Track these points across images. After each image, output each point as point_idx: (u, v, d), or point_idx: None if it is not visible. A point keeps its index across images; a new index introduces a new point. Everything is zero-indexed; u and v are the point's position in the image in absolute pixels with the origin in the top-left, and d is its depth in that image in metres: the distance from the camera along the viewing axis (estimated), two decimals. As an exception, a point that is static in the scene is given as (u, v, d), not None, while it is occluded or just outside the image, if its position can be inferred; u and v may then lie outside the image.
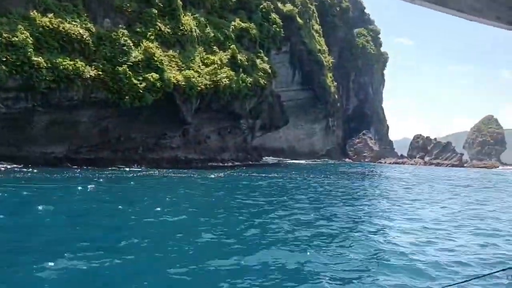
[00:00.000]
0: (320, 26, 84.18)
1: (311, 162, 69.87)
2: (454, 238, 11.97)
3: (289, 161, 64.24)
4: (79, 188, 18.55)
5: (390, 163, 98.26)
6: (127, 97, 32.54)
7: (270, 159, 61.17)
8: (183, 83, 36.84)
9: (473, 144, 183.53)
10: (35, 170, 25.53)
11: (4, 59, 25.69)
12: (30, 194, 16.09)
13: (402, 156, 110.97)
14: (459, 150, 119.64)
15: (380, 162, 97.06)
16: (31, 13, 28.60)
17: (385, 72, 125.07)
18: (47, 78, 27.84)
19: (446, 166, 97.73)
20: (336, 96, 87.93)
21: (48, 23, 29.04)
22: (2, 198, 14.96)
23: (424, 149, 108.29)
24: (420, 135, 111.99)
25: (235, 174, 34.18)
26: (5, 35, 26.03)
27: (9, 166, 26.60)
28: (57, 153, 31.88)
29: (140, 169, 33.01)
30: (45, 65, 27.71)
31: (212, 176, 30.30)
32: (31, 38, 27.31)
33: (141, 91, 33.26)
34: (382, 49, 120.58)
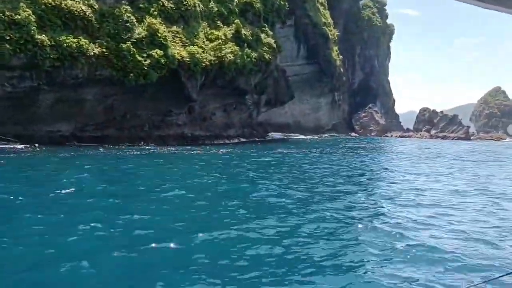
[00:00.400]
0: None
1: (317, 137, 69.73)
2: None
3: (294, 137, 64.07)
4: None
5: (396, 136, 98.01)
6: (131, 75, 32.37)
7: (276, 135, 60.98)
8: (187, 59, 36.55)
9: (479, 116, 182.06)
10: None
11: (8, 38, 25.52)
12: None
13: (408, 130, 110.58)
14: (466, 123, 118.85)
15: (386, 136, 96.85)
16: (33, -10, 28.24)
17: (391, 44, 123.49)
18: (51, 56, 27.69)
19: (452, 139, 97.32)
20: (342, 70, 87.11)
21: (50, 0, 28.69)
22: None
23: (430, 122, 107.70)
24: (427, 108, 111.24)
25: (239, 151, 34.23)
26: (7, 13, 25.79)
27: (18, 146, 26.71)
28: (63, 131, 31.95)
29: (154, 147, 33.11)
30: (49, 43, 27.52)
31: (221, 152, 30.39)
32: (33, 16, 27.05)
33: (145, 68, 33.06)
34: (388, 21, 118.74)
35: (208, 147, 35.74)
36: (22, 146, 26.83)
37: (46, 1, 28.49)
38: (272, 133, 60.70)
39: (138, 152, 28.19)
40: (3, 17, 25.55)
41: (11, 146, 26.36)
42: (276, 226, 9.60)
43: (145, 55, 33.44)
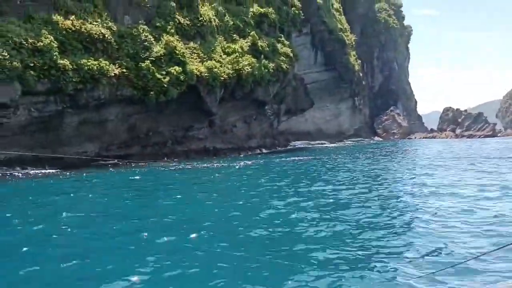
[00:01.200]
0: (340, 5, 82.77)
1: (340, 143, 69.31)
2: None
3: (317, 145, 63.75)
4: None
5: (420, 138, 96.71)
6: (152, 93, 32.96)
7: (298, 143, 60.75)
8: (205, 74, 37.04)
9: (506, 112, 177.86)
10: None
11: (32, 65, 26.33)
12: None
13: (432, 130, 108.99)
14: (492, 120, 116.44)
15: (410, 138, 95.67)
16: (54, 17, 29.14)
17: (409, 46, 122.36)
18: (74, 80, 28.42)
19: (479, 137, 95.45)
20: (361, 74, 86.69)
21: (70, 26, 29.54)
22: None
23: (454, 121, 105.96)
24: (450, 107, 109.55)
25: (261, 161, 34.35)
26: (30, 40, 26.64)
27: (51, 171, 27.44)
28: (89, 152, 32.67)
29: (177, 163, 33.56)
30: (71, 67, 28.26)
31: (242, 164, 30.56)
32: (55, 42, 27.85)
33: (165, 86, 33.62)
34: (405, 23, 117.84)
35: (229, 159, 35.99)
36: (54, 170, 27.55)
37: (67, 27, 29.34)
38: (294, 142, 60.68)
39: (173, 168, 28.72)
40: (26, 44, 26.39)
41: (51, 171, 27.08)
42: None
43: (164, 72, 34.03)
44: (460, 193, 15.25)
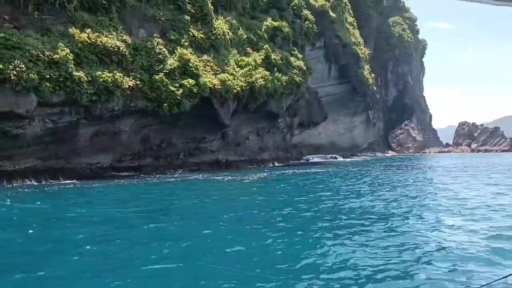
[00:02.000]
0: (353, 18, 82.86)
1: (354, 158, 68.69)
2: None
3: (331, 159, 62.93)
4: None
5: (435, 152, 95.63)
6: (165, 105, 33.23)
7: (313, 157, 59.56)
8: (219, 86, 37.26)
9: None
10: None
11: (48, 76, 26.77)
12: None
13: (447, 145, 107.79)
14: (509, 134, 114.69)
15: (424, 152, 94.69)
16: (70, 30, 29.70)
17: (424, 60, 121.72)
18: (89, 92, 28.80)
19: (496, 152, 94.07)
20: (375, 88, 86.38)
21: (86, 39, 30.06)
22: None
23: (470, 136, 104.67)
24: (466, 121, 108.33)
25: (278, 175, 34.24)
26: (47, 53, 27.13)
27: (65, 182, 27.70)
28: (103, 163, 32.95)
29: (189, 174, 33.63)
30: (86, 79, 28.68)
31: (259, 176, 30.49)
32: (71, 54, 28.32)
33: (178, 98, 33.89)
34: (420, 36, 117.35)
35: (244, 171, 35.94)
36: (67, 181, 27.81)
37: (83, 39, 29.86)
38: (309, 156, 59.84)
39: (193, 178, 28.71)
40: (43, 57, 26.89)
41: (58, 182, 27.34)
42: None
43: (177, 84, 34.33)
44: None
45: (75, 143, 30.86)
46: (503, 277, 6.31)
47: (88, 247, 10.06)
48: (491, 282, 6.57)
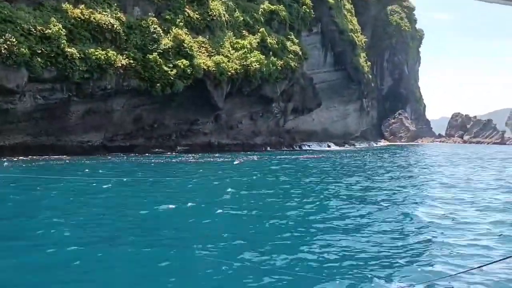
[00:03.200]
0: (351, 5, 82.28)
1: (349, 148, 68.49)
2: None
3: (323, 148, 62.52)
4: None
5: (427, 142, 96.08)
6: (158, 85, 32.97)
7: (305, 145, 58.87)
8: (213, 68, 36.97)
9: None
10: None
11: (39, 52, 26.42)
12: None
13: (440, 136, 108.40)
14: (501, 128, 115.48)
15: (417, 142, 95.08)
16: (63, 5, 29.25)
17: (420, 49, 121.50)
18: (81, 69, 28.50)
19: (487, 144, 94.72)
20: (370, 76, 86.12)
21: (79, 14, 29.63)
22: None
23: (463, 127, 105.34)
24: (459, 113, 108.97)
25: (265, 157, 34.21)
26: (39, 27, 26.73)
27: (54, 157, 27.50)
28: (94, 142, 32.75)
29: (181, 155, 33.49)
30: (78, 55, 28.34)
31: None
32: (63, 30, 27.94)
33: (172, 78, 33.62)
34: (417, 26, 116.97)
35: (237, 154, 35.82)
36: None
37: (76, 15, 29.43)
38: (301, 143, 59.12)
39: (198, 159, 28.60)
40: (34, 31, 26.49)
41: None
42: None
43: (171, 65, 34.02)
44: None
45: (66, 121, 30.62)
46: (496, 261, 6.31)
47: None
48: (482, 266, 6.57)
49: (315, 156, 37.95)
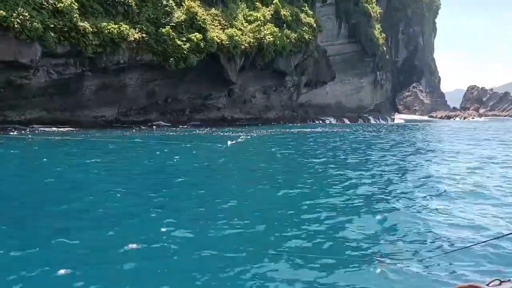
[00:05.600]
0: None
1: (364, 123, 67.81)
2: None
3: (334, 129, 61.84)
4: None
5: (441, 117, 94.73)
6: (171, 59, 32.61)
7: (318, 122, 58.23)
8: (226, 42, 36.41)
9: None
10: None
11: (52, 26, 26.17)
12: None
13: (454, 109, 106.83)
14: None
15: (431, 116, 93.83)
16: (75, -22, 28.77)
17: (436, 21, 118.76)
18: (94, 43, 28.26)
19: (505, 117, 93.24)
20: (385, 48, 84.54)
21: (91, -13, 29.17)
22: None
23: (478, 100, 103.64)
24: (475, 85, 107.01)
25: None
26: (51, 1, 26.41)
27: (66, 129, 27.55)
28: (108, 116, 32.75)
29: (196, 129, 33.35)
30: (91, 30, 28.05)
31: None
32: (76, 3, 27.58)
33: (185, 52, 33.21)
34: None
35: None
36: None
37: (88, -12, 28.99)
38: (314, 119, 58.30)
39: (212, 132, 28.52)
40: (47, 5, 26.20)
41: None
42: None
43: (184, 39, 33.57)
44: None
45: (80, 95, 30.58)
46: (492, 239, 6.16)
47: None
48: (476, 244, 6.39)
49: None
